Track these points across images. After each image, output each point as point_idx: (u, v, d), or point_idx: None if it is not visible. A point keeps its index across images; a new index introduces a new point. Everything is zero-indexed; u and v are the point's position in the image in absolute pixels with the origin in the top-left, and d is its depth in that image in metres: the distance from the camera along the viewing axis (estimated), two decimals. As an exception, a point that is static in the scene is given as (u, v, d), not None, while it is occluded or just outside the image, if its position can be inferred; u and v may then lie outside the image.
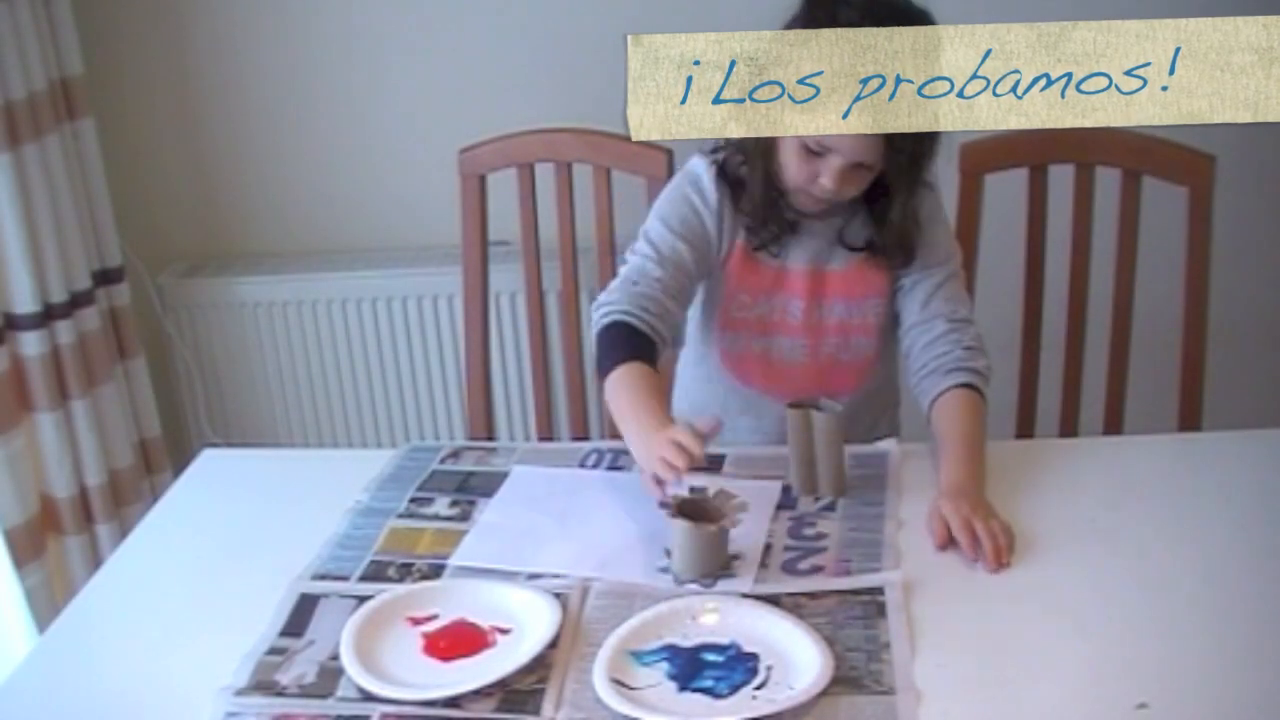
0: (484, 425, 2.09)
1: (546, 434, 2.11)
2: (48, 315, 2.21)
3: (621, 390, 1.54)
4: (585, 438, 2.06)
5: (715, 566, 1.37)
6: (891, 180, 1.59)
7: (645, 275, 1.62)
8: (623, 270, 1.66)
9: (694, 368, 1.78)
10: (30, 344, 2.19)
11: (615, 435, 2.00)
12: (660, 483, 1.41)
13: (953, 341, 1.63)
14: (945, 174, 1.92)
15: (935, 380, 1.61)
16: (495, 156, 2.01)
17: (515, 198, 1.99)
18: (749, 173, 1.63)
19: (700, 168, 1.67)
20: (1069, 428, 1.94)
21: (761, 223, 1.64)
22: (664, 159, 1.92)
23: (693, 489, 1.41)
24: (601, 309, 1.62)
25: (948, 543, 1.40)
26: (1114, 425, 1.91)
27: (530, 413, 2.47)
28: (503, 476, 1.63)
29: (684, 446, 1.37)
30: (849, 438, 1.57)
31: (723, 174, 1.66)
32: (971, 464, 1.52)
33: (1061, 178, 1.89)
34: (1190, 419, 1.87)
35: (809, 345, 1.68)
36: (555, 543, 1.46)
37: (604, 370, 1.57)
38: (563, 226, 2.00)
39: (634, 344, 1.57)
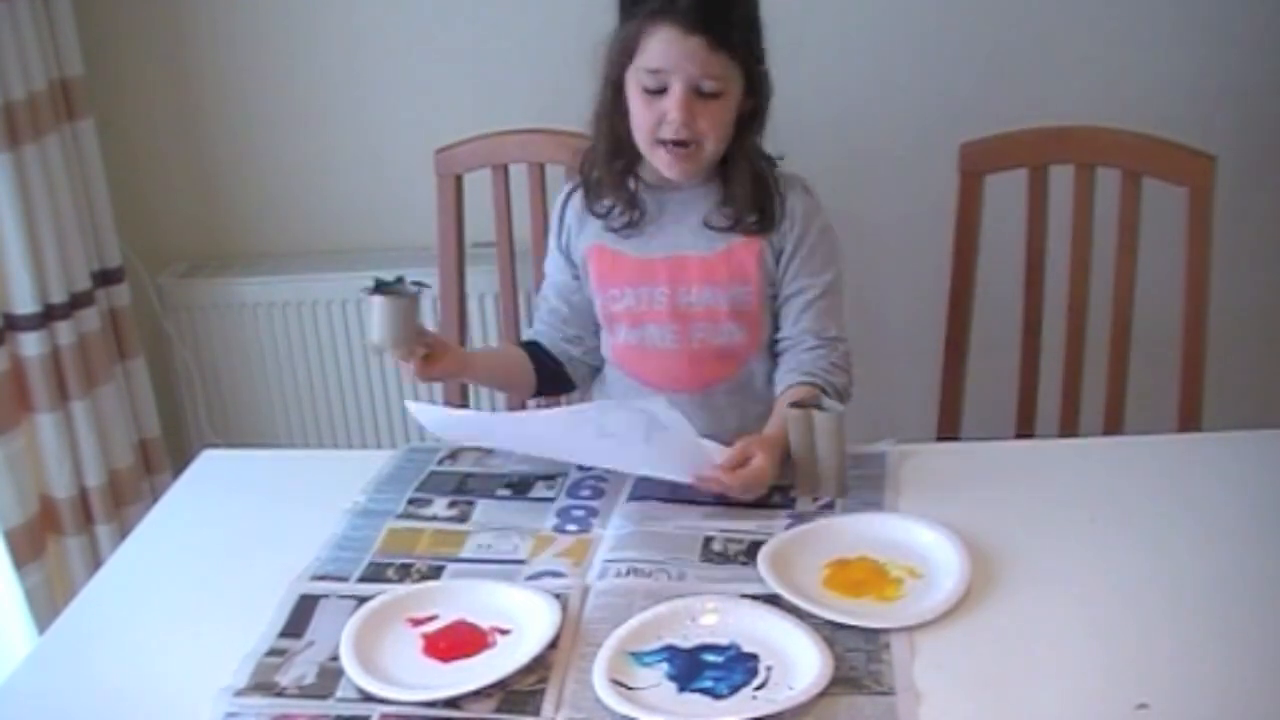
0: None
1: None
2: (48, 316, 2.21)
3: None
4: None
5: (409, 335, 1.52)
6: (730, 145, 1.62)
7: (538, 312, 1.80)
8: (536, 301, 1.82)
9: (603, 375, 1.82)
10: (30, 344, 2.19)
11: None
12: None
13: (818, 356, 1.66)
14: (945, 174, 1.93)
15: (792, 377, 1.65)
16: (470, 157, 2.03)
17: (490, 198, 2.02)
18: (597, 152, 1.69)
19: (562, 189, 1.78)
20: (1069, 428, 1.94)
21: (609, 210, 1.69)
22: None
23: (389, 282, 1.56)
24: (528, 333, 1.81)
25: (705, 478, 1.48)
26: (1114, 425, 1.91)
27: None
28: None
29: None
30: (743, 429, 1.60)
31: (578, 188, 1.73)
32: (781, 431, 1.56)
33: (1061, 178, 1.89)
34: (1190, 419, 1.87)
35: (678, 332, 1.70)
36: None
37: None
38: (535, 227, 2.01)
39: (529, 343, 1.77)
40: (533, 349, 1.77)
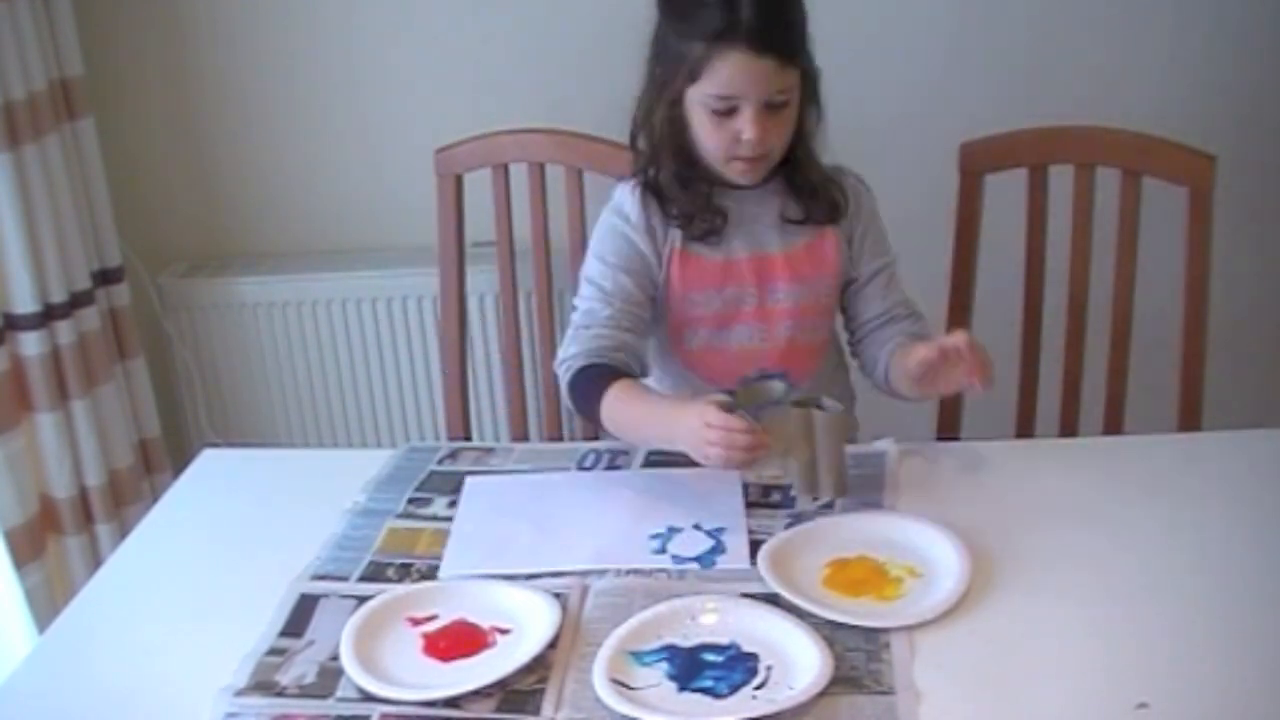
0: (460, 426, 2.10)
1: (523, 434, 2.12)
2: (48, 315, 2.20)
3: (622, 405, 1.55)
4: (559, 438, 2.07)
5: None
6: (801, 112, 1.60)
7: (594, 317, 1.64)
8: (572, 319, 1.67)
9: (660, 377, 1.78)
10: (30, 344, 2.19)
11: (589, 436, 2.02)
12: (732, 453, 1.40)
13: (913, 323, 1.70)
14: (945, 174, 1.93)
15: (899, 339, 1.65)
16: (470, 156, 2.02)
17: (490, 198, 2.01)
18: (664, 171, 1.64)
19: (621, 194, 1.69)
20: (1069, 428, 1.94)
21: (689, 219, 1.65)
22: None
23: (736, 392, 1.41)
24: (563, 365, 1.63)
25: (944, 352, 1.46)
26: (1114, 425, 1.91)
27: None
28: (499, 478, 1.63)
29: (723, 426, 1.38)
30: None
31: (647, 189, 1.66)
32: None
33: (1061, 178, 1.89)
34: (1190, 419, 1.87)
35: (766, 330, 1.69)
36: (542, 543, 1.47)
37: (590, 411, 1.59)
38: (535, 227, 2.01)
39: (607, 375, 1.58)
40: (613, 373, 1.60)
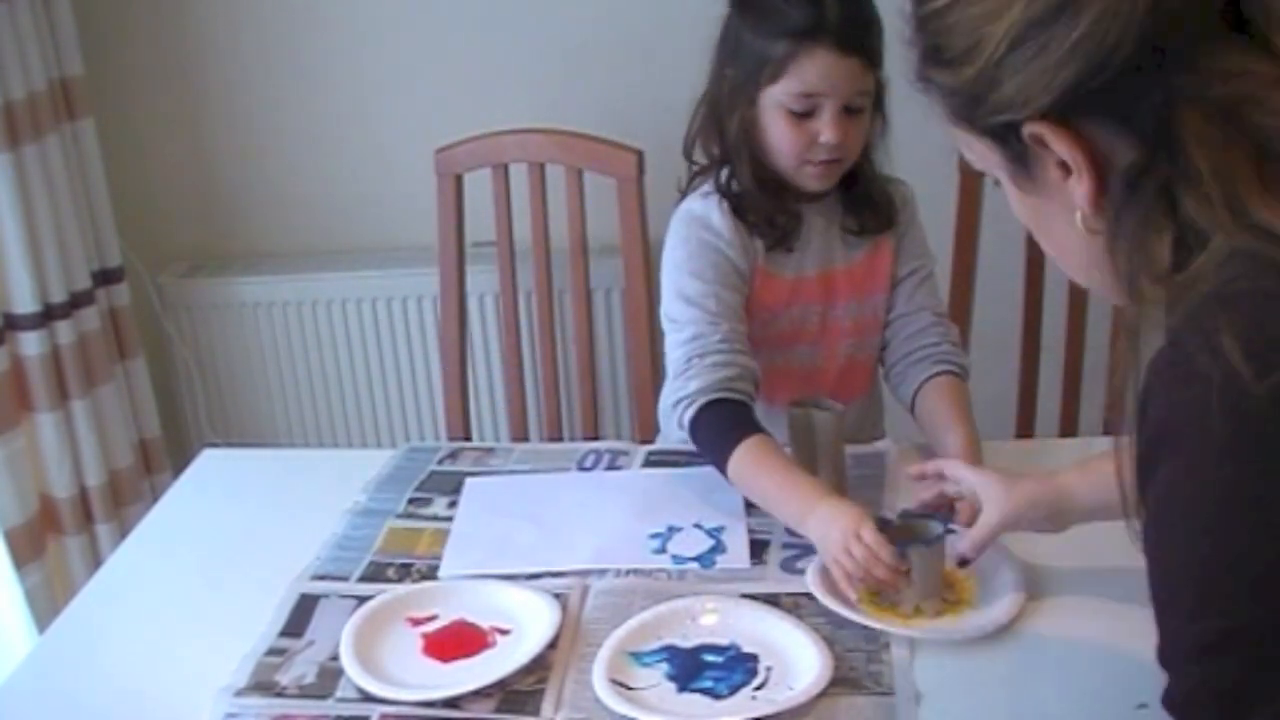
0: (460, 426, 2.10)
1: (523, 434, 2.12)
2: (47, 315, 2.20)
3: (753, 473, 1.45)
4: (559, 438, 2.07)
5: (939, 585, 1.31)
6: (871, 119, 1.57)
7: (709, 344, 1.52)
8: (679, 348, 1.54)
9: None
10: (30, 344, 2.19)
11: (589, 436, 2.02)
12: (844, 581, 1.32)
13: (939, 335, 1.64)
14: (945, 174, 1.93)
15: (924, 368, 1.62)
16: (470, 157, 2.02)
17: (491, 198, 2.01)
18: (744, 177, 1.58)
19: (702, 207, 1.59)
20: (1069, 428, 1.94)
21: (771, 226, 1.59)
22: (634, 159, 1.94)
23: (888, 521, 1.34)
24: (683, 403, 1.50)
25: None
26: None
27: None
28: (499, 478, 1.63)
29: (871, 551, 1.29)
30: (858, 437, 1.56)
31: (725, 199, 1.59)
32: (976, 436, 1.52)
33: (1061, 178, 1.88)
34: (1190, 419, 1.86)
35: (827, 350, 1.66)
36: (542, 543, 1.47)
37: (717, 463, 1.48)
38: (535, 227, 2.01)
39: (736, 418, 1.48)
40: (745, 419, 1.50)
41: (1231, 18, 0.81)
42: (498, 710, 1.20)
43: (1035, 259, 1.93)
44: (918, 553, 1.28)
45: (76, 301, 2.26)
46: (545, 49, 2.43)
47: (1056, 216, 0.94)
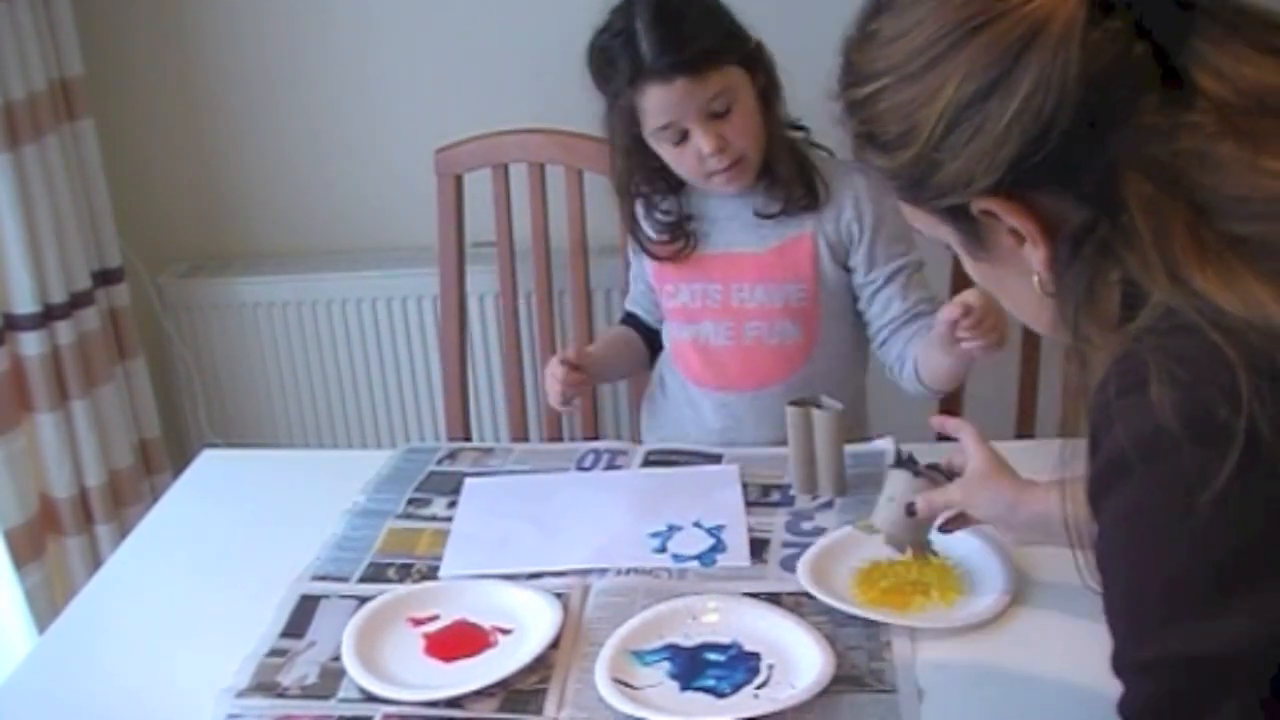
0: (460, 426, 2.10)
1: (522, 435, 2.12)
2: (47, 315, 2.20)
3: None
4: (559, 438, 2.07)
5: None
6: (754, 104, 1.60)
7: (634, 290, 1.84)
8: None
9: (661, 369, 1.84)
10: (30, 344, 2.19)
11: (589, 436, 2.02)
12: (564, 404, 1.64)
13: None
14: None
15: (924, 334, 1.61)
16: (470, 157, 2.02)
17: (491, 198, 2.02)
18: (640, 203, 1.72)
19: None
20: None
21: (670, 230, 1.71)
22: None
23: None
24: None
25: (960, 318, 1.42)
26: (1114, 425, 1.91)
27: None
28: (498, 479, 1.63)
29: (553, 376, 1.62)
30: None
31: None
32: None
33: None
34: (1190, 419, 1.86)
35: (732, 329, 1.70)
36: (542, 543, 1.47)
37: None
38: (535, 227, 2.01)
39: (629, 319, 1.83)
40: (633, 321, 1.84)
41: (1165, 73, 0.80)
42: (500, 710, 1.20)
43: (1035, 259, 1.92)
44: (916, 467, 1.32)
45: (76, 302, 2.25)
46: (545, 49, 2.42)
47: (1013, 280, 0.93)
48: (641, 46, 1.54)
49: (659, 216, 1.72)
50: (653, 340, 1.83)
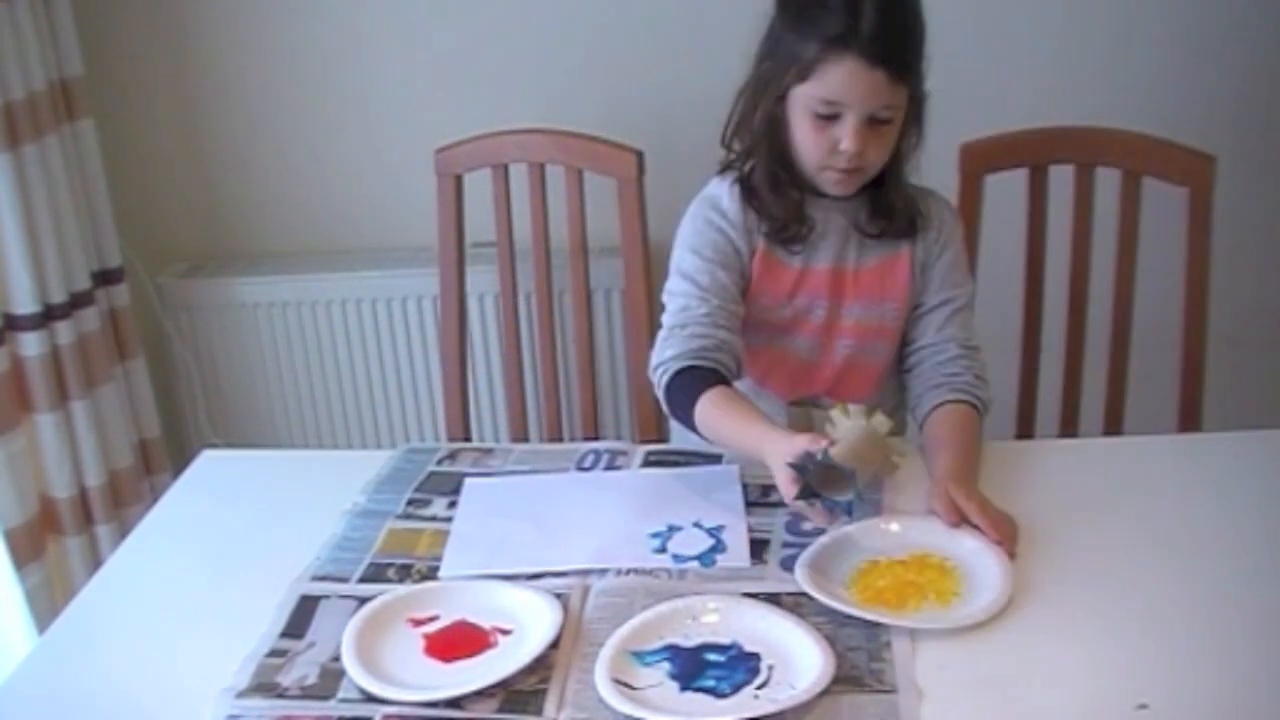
0: (460, 426, 2.10)
1: (522, 435, 2.12)
2: (47, 316, 2.20)
3: (715, 417, 1.51)
4: (559, 438, 2.07)
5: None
6: (901, 135, 1.58)
7: (691, 315, 1.59)
8: (666, 317, 1.62)
9: None
10: (30, 344, 2.19)
11: (589, 436, 2.02)
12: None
13: (964, 367, 1.64)
14: (945, 174, 1.93)
15: (941, 394, 1.62)
16: (470, 157, 2.02)
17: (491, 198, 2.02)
18: (759, 171, 1.61)
19: (718, 188, 1.66)
20: (1069, 428, 1.94)
21: (782, 224, 1.62)
22: (634, 160, 1.94)
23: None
24: (659, 369, 1.58)
25: (960, 522, 1.41)
26: (1114, 425, 1.91)
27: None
28: (498, 479, 1.63)
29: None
30: None
31: (742, 186, 1.64)
32: (970, 459, 1.53)
33: (1061, 178, 1.89)
34: (1190, 419, 1.87)
35: (825, 346, 1.67)
36: (542, 543, 1.47)
37: (683, 417, 1.55)
38: (535, 227, 2.01)
39: (705, 379, 1.54)
40: (711, 378, 1.55)
41: None
42: (500, 710, 1.20)
43: (1035, 259, 1.93)
44: (813, 475, 1.34)
45: (76, 302, 2.26)
46: (545, 49, 2.43)
47: None
48: (865, 19, 1.47)
49: (783, 200, 1.62)
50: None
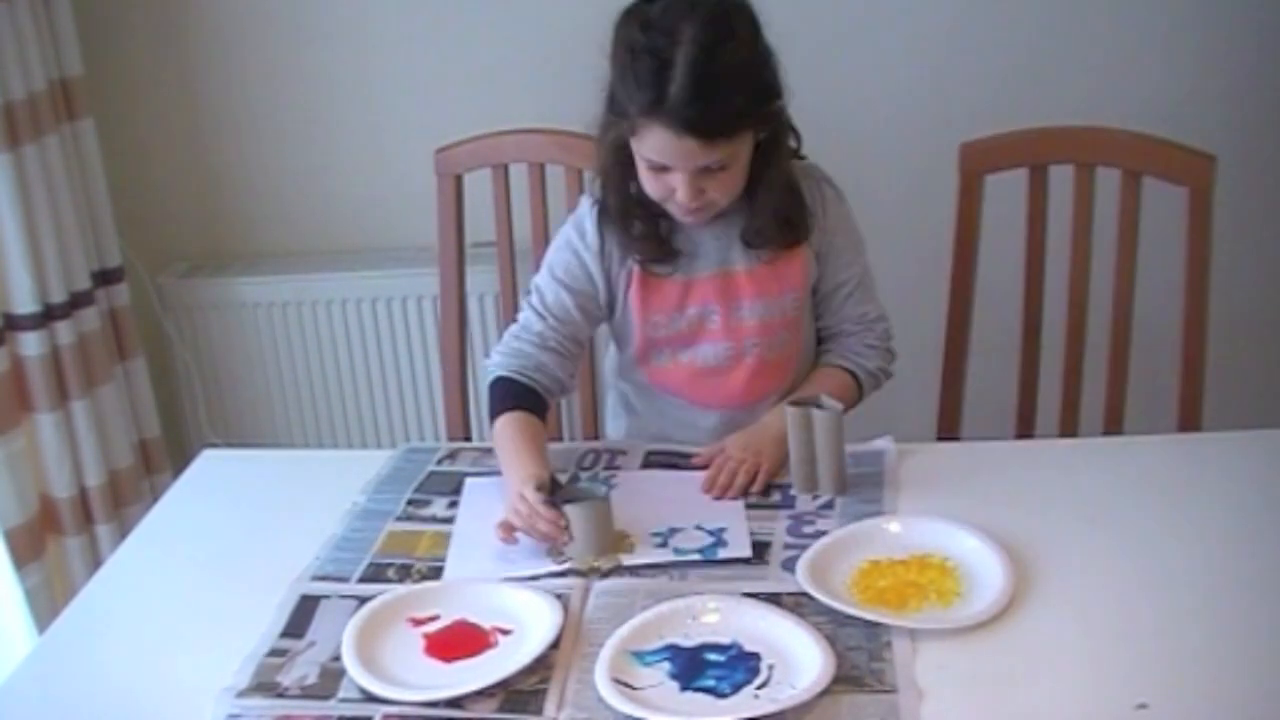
0: (460, 426, 2.10)
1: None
2: (47, 316, 2.21)
3: (499, 441, 1.60)
4: (558, 438, 2.07)
5: (609, 543, 1.42)
6: (755, 168, 1.58)
7: (528, 330, 1.67)
8: (517, 320, 1.70)
9: (626, 385, 1.78)
10: (30, 344, 2.19)
11: (589, 436, 2.02)
12: (510, 531, 1.45)
13: (855, 340, 1.71)
14: (945, 174, 1.93)
15: (823, 359, 1.71)
16: (470, 157, 2.02)
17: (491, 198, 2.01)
18: (610, 202, 1.63)
19: (584, 209, 1.69)
20: (1069, 428, 1.94)
21: (634, 238, 1.63)
22: None
23: (561, 482, 1.48)
24: (491, 364, 1.67)
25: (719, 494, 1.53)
26: (1114, 425, 1.91)
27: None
28: (499, 479, 1.63)
29: (529, 510, 1.43)
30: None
31: (605, 213, 1.65)
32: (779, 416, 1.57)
33: (1061, 178, 1.89)
34: (1190, 419, 1.87)
35: (733, 348, 1.68)
36: (543, 544, 1.46)
37: (491, 418, 1.63)
38: (535, 227, 2.01)
39: (514, 395, 1.62)
40: (521, 396, 1.63)
41: None
42: (500, 710, 1.20)
43: (1035, 259, 1.93)
44: (574, 511, 1.41)
45: (76, 302, 2.26)
46: (545, 49, 2.43)
47: None
48: (671, 87, 1.46)
49: (638, 229, 1.64)
50: (542, 403, 1.66)
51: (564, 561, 1.41)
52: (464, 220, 2.04)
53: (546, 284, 1.68)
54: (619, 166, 1.59)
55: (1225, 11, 2.34)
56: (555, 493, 1.45)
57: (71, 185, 2.25)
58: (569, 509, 1.41)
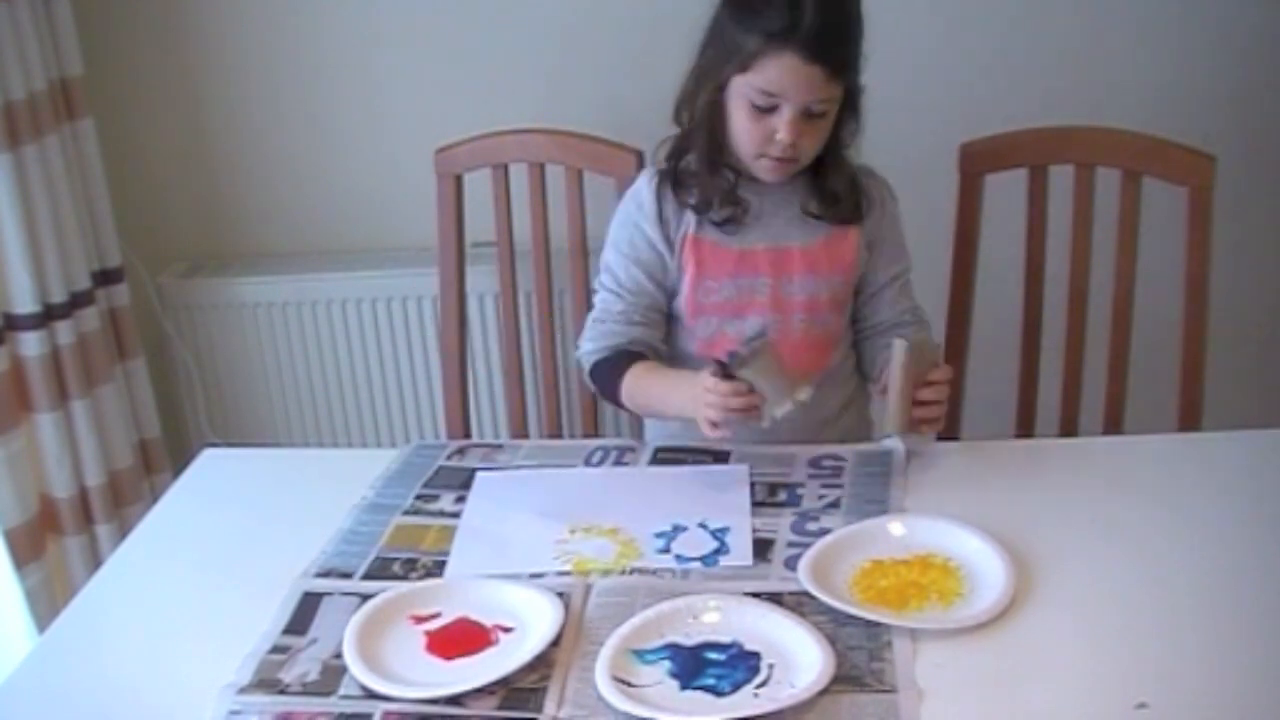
0: (460, 426, 2.10)
1: (523, 435, 2.12)
2: (47, 316, 2.20)
3: (641, 389, 1.66)
4: (559, 438, 2.07)
5: (795, 378, 1.48)
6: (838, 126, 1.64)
7: (609, 311, 1.71)
8: (593, 307, 1.75)
9: (675, 364, 1.78)
10: (30, 344, 2.19)
11: (590, 435, 2.02)
12: (716, 425, 1.50)
13: (904, 328, 1.73)
14: (945, 174, 1.93)
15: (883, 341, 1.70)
16: (470, 157, 2.02)
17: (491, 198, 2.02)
18: (695, 152, 1.67)
19: (640, 180, 1.73)
20: (1069, 428, 1.94)
21: (708, 205, 1.67)
22: (634, 159, 1.94)
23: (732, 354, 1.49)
24: (583, 353, 1.73)
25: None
26: (1114, 425, 1.91)
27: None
28: (509, 473, 1.63)
29: (716, 390, 1.48)
30: (850, 437, 1.57)
31: (666, 177, 1.69)
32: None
33: (1061, 178, 1.89)
34: (1190, 419, 1.87)
35: (779, 323, 1.69)
36: (548, 542, 1.47)
37: (612, 396, 1.70)
38: (535, 227, 2.01)
39: (625, 359, 1.68)
40: (630, 358, 1.69)
41: None
42: (500, 708, 1.20)
43: (1035, 259, 1.93)
44: (749, 373, 1.46)
45: (76, 302, 2.26)
46: (545, 49, 2.43)
47: None
48: (805, 16, 1.52)
49: (721, 182, 1.67)
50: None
51: (773, 420, 1.48)
52: (464, 220, 2.05)
53: (616, 261, 1.72)
54: (711, 118, 1.63)
55: (1225, 11, 2.34)
56: (725, 374, 1.48)
57: (71, 185, 2.25)
58: (744, 373, 1.45)
